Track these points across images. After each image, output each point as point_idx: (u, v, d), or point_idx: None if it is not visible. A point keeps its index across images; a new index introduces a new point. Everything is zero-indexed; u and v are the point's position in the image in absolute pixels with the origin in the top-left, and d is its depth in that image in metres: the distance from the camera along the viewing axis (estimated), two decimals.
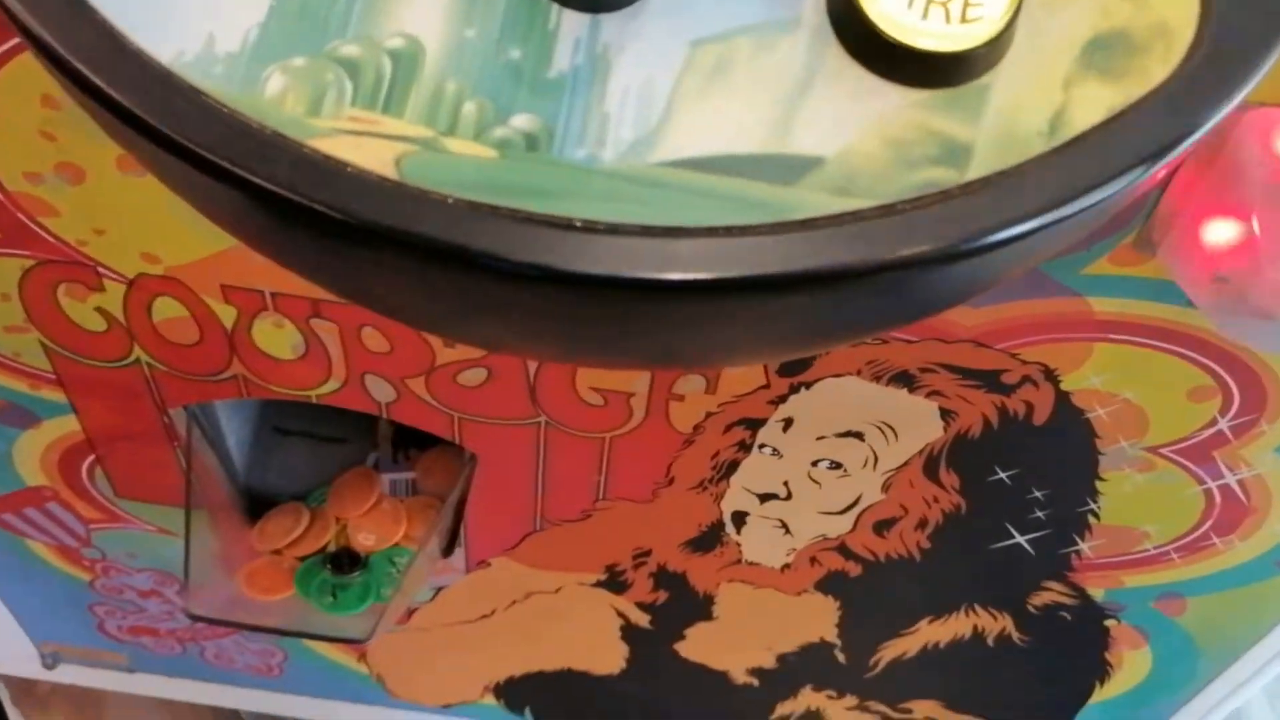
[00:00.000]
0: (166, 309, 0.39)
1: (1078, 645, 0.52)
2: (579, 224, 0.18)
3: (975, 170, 0.18)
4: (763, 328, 0.19)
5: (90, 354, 0.41)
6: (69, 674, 0.65)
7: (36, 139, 0.33)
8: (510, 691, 0.62)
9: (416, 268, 0.18)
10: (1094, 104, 0.19)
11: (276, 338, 0.39)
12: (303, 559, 0.49)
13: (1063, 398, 0.38)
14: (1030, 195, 0.18)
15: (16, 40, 0.30)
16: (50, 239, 0.37)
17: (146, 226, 0.36)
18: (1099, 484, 0.42)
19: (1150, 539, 0.44)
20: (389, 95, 0.19)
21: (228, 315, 0.39)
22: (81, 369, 0.42)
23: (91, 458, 0.47)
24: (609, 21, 0.19)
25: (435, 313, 0.20)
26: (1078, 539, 0.45)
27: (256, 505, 0.52)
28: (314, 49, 0.19)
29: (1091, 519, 0.44)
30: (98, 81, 0.18)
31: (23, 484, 0.49)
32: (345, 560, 0.48)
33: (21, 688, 0.69)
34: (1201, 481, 0.41)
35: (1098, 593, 0.48)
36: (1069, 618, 0.50)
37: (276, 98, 0.18)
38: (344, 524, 0.50)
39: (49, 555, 0.54)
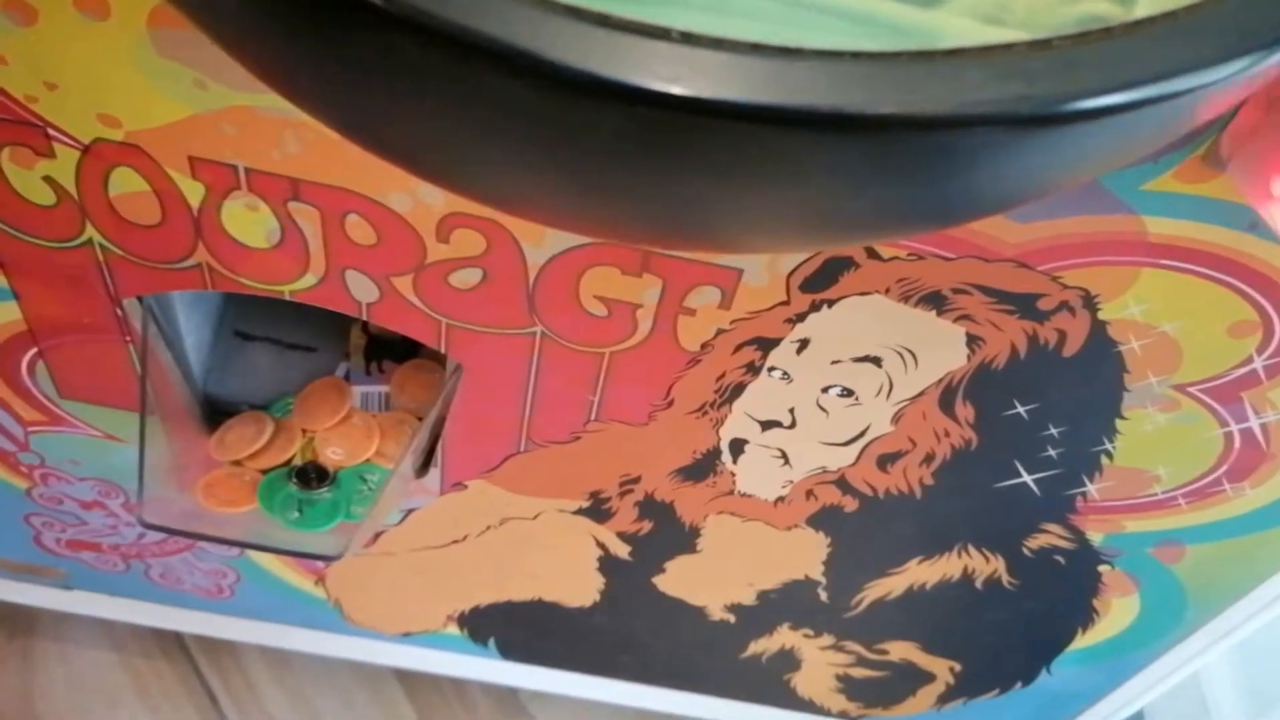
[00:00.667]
0: (125, 181, 0.35)
1: (1067, 590, 0.50)
2: (677, 35, 0.14)
3: (1142, 8, 0.16)
4: (870, 186, 0.16)
5: (36, 231, 0.37)
6: None
7: None
8: (475, 621, 0.59)
9: (469, 81, 0.15)
10: None
11: (249, 222, 0.36)
12: (265, 472, 0.45)
13: (1098, 327, 0.36)
14: (1204, 41, 0.15)
15: None
16: None
17: (106, 82, 0.31)
18: (1119, 422, 0.40)
19: (1160, 483, 0.43)
20: None
21: (194, 193, 0.35)
22: (25, 248, 0.38)
23: (34, 351, 0.43)
24: None
25: (471, 147, 0.17)
26: (1087, 480, 0.43)
27: (214, 414, 0.49)
28: None
29: (1104, 459, 0.42)
30: None
31: None
32: (312, 475, 0.45)
33: None
34: (1224, 424, 0.39)
35: (1096, 537, 0.47)
36: (1063, 562, 0.49)
37: None
38: (311, 437, 0.47)
39: None
